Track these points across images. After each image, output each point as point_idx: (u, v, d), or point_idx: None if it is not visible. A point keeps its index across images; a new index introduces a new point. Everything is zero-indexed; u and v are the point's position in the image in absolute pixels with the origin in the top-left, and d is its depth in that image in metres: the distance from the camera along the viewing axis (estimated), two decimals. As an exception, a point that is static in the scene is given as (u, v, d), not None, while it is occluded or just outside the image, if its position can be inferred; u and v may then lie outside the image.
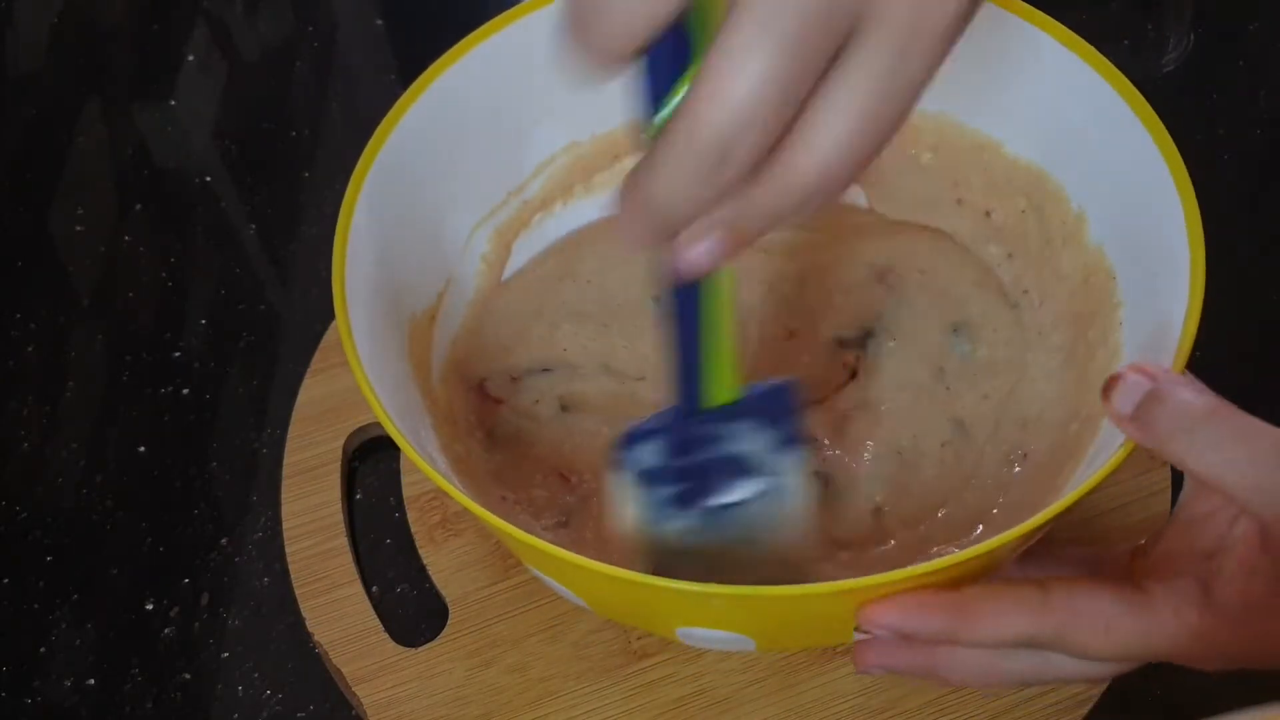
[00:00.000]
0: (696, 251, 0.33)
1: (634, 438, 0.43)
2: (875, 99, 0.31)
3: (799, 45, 0.30)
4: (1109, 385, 0.41)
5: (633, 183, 0.33)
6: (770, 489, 0.43)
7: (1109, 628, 0.39)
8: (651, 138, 0.33)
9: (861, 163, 0.32)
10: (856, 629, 0.41)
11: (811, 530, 0.45)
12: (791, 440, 0.43)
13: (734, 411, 0.41)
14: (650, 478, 0.43)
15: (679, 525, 0.43)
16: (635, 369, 0.55)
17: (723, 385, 0.40)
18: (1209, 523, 0.42)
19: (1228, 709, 0.29)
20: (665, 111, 0.33)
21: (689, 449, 0.42)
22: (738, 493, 0.43)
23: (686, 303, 0.37)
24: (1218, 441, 0.38)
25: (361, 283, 0.47)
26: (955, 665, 0.43)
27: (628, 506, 0.43)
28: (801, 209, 0.32)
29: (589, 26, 0.31)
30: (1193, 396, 0.39)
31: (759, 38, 0.30)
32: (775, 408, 0.42)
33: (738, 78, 0.30)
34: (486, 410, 0.54)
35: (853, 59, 0.31)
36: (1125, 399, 0.40)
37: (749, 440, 0.42)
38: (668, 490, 0.43)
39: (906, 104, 0.32)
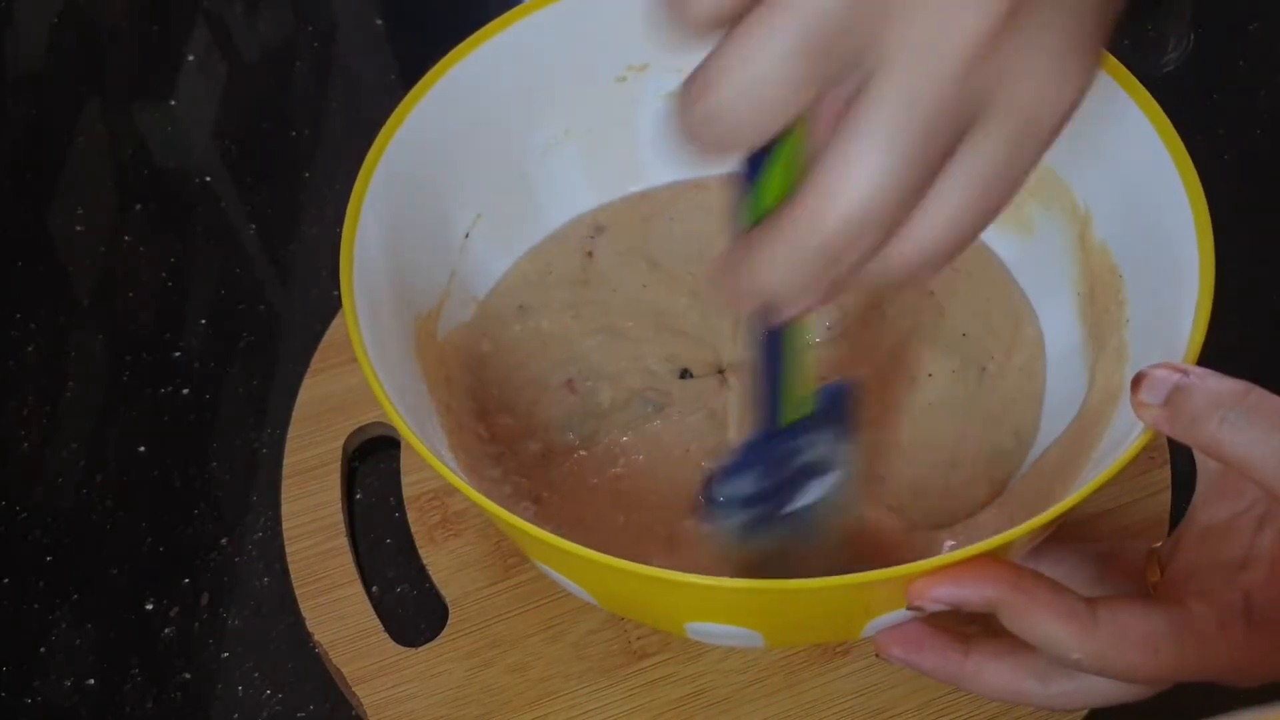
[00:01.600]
0: (791, 311, 0.33)
1: (723, 474, 0.43)
2: (987, 189, 0.31)
3: (923, 149, 0.30)
4: (1137, 380, 0.40)
5: (735, 263, 0.32)
6: (835, 480, 0.44)
7: (1159, 649, 0.38)
8: (750, 222, 0.33)
9: (964, 246, 0.32)
10: (909, 606, 0.40)
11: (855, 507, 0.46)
12: (848, 433, 0.44)
13: (807, 423, 0.42)
14: (741, 503, 0.44)
15: (765, 536, 0.44)
16: (653, 363, 0.55)
17: (799, 403, 0.42)
18: (1230, 532, 0.41)
19: (1228, 709, 0.29)
20: (761, 193, 0.32)
21: (771, 470, 0.43)
22: (811, 494, 0.44)
23: (772, 341, 0.39)
24: (1251, 421, 0.38)
25: (368, 281, 0.47)
26: (982, 678, 0.42)
27: (722, 536, 0.44)
28: (898, 285, 0.33)
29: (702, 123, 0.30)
30: (1223, 382, 0.39)
31: (883, 141, 0.29)
32: (840, 410, 0.43)
33: (857, 181, 0.29)
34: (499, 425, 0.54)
35: (969, 152, 0.31)
36: (1154, 391, 0.40)
37: (819, 444, 0.43)
38: (756, 511, 0.44)
39: (1015, 189, 0.32)
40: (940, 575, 0.39)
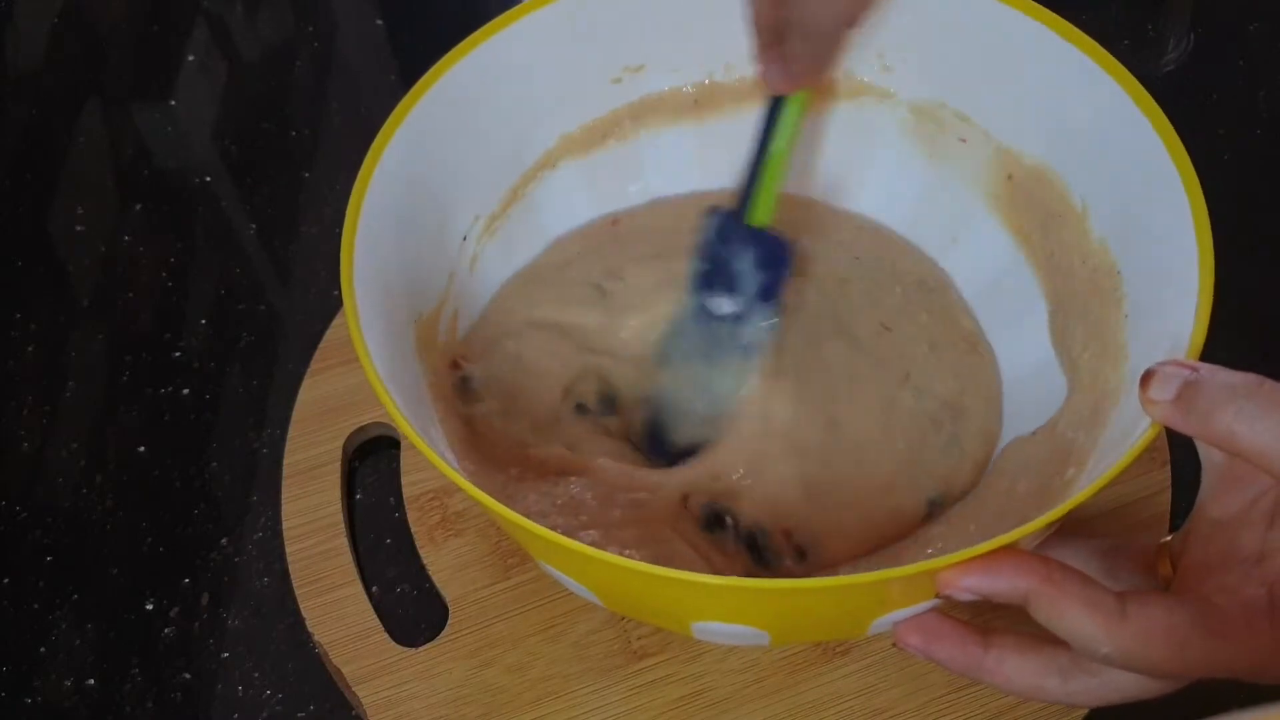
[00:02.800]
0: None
1: (715, 210, 0.55)
2: None
3: None
4: (1146, 377, 0.40)
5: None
6: (738, 323, 0.54)
7: (1186, 645, 0.38)
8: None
9: None
10: (939, 594, 0.40)
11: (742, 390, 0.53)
12: (773, 293, 0.54)
13: (754, 235, 0.54)
14: (702, 245, 0.55)
15: (690, 304, 0.55)
16: (640, 356, 0.55)
17: (762, 209, 0.54)
18: (1243, 525, 0.41)
19: (1226, 709, 0.29)
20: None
21: (723, 240, 0.54)
22: (723, 304, 0.54)
23: (764, 133, 0.53)
24: (1266, 412, 0.38)
25: (368, 281, 0.47)
26: (1003, 671, 0.42)
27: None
28: None
29: None
30: (1234, 375, 0.39)
31: None
32: (775, 255, 0.54)
33: None
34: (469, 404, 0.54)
35: None
36: (1163, 387, 0.40)
37: (749, 269, 0.54)
38: (703, 260, 0.55)
39: None
40: (971, 565, 0.39)
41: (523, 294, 0.57)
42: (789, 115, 0.53)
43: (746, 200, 0.54)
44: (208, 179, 0.70)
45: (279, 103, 0.74)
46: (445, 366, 0.54)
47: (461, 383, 0.54)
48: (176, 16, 0.77)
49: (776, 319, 0.54)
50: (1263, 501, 0.41)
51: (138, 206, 0.69)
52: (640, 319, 0.55)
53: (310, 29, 0.77)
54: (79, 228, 0.68)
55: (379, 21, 0.78)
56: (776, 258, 0.54)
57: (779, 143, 0.53)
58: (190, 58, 0.76)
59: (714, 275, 0.54)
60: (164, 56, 0.76)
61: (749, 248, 0.54)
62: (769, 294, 0.54)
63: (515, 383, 0.54)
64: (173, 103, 0.73)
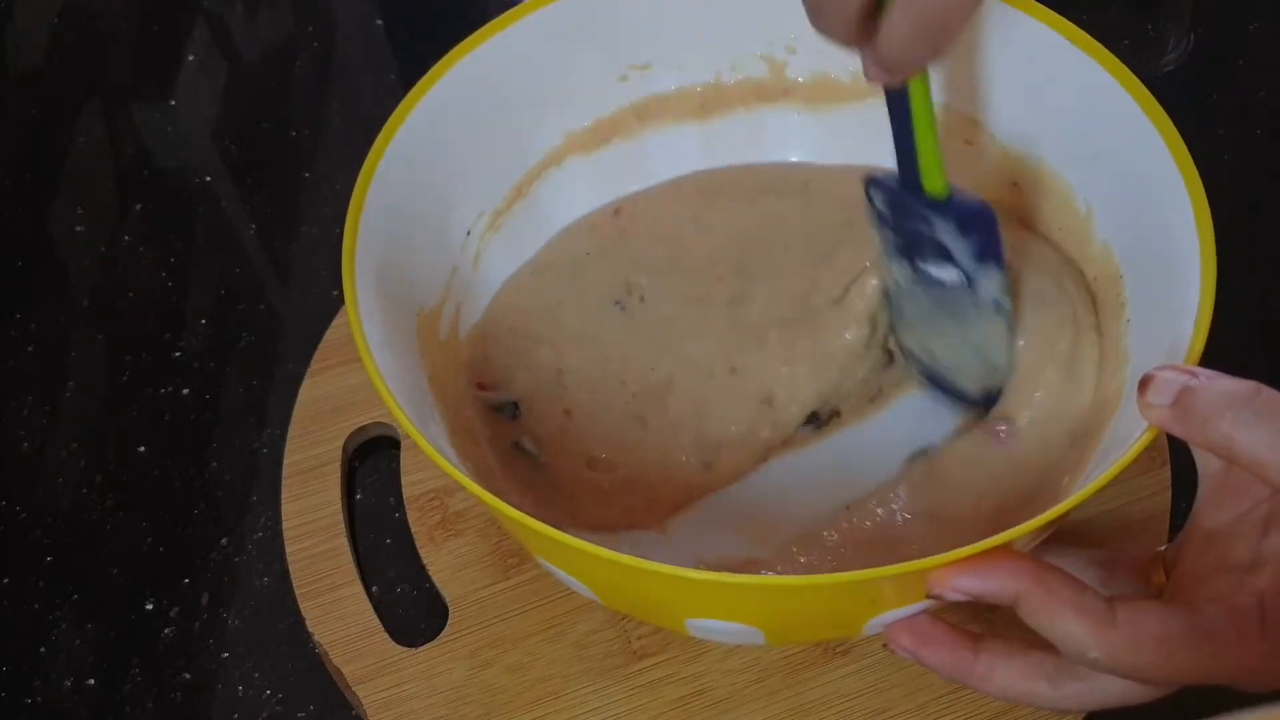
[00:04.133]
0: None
1: (876, 182, 0.50)
2: None
3: None
4: (1144, 383, 0.40)
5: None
6: (970, 287, 0.49)
7: (1174, 651, 0.38)
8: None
9: None
10: (929, 594, 0.40)
11: (1009, 346, 0.50)
12: (989, 255, 0.48)
13: (941, 207, 0.48)
14: (880, 217, 0.50)
15: (902, 272, 0.51)
16: (648, 360, 0.55)
17: (931, 181, 0.47)
18: (1236, 534, 0.41)
19: (1227, 709, 0.29)
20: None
21: (907, 214, 0.49)
22: (942, 271, 0.49)
23: (900, 101, 0.46)
24: (1263, 420, 0.38)
25: (369, 279, 0.47)
26: (992, 677, 0.42)
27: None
28: None
29: None
30: (1233, 382, 0.39)
31: None
32: (974, 221, 0.48)
33: None
34: (496, 421, 0.54)
35: None
36: (1161, 393, 0.40)
37: (952, 238, 0.48)
38: (894, 235, 0.50)
39: None
40: (963, 565, 0.39)
41: (537, 297, 0.57)
42: (916, 95, 0.46)
43: (913, 170, 0.47)
44: (208, 179, 0.70)
45: (279, 103, 0.74)
46: (467, 386, 0.54)
47: (513, 407, 0.54)
48: (176, 16, 0.77)
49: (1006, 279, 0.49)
50: (1257, 511, 0.41)
51: (138, 206, 0.69)
52: (666, 345, 0.55)
53: (310, 29, 0.77)
54: (79, 228, 0.68)
55: (379, 21, 0.78)
56: (977, 219, 0.48)
57: (918, 110, 0.46)
58: (190, 58, 0.76)
59: (913, 246, 0.49)
60: (164, 56, 0.76)
61: (939, 216, 0.48)
62: (987, 256, 0.48)
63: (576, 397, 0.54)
64: (173, 103, 0.73)
